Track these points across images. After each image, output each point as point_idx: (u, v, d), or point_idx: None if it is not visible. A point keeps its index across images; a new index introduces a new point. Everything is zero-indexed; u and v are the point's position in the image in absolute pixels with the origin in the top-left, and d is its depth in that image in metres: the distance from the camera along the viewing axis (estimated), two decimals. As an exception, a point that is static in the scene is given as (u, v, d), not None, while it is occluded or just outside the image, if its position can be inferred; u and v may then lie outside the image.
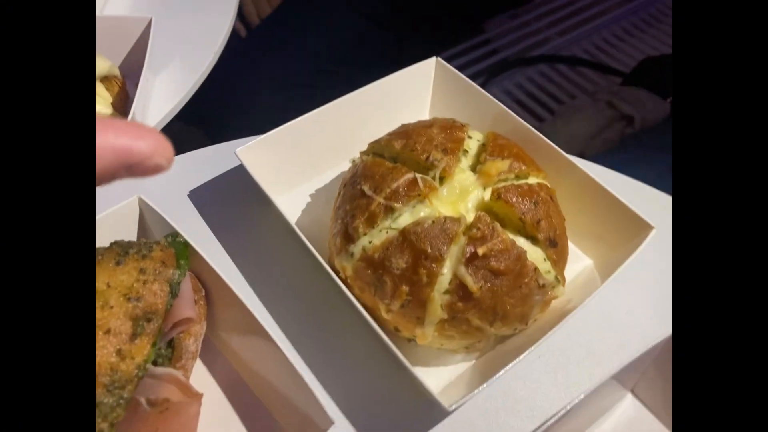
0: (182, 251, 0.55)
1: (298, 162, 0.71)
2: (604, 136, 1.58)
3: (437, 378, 0.60)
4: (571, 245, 0.71)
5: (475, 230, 0.54)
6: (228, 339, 0.58)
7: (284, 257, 0.67)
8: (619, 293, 0.68)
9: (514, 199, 0.57)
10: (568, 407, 0.49)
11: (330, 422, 0.47)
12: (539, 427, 0.48)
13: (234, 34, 0.95)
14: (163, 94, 0.84)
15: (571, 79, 1.95)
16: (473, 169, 0.61)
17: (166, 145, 0.26)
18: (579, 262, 0.70)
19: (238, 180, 0.72)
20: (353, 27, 1.36)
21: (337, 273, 0.59)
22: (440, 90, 0.80)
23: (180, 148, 0.74)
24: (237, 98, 1.24)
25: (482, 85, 1.79)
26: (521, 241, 0.57)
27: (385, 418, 0.58)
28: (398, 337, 0.59)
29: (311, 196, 0.73)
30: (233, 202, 0.71)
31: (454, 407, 0.50)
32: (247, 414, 0.56)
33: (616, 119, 1.58)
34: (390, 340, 0.54)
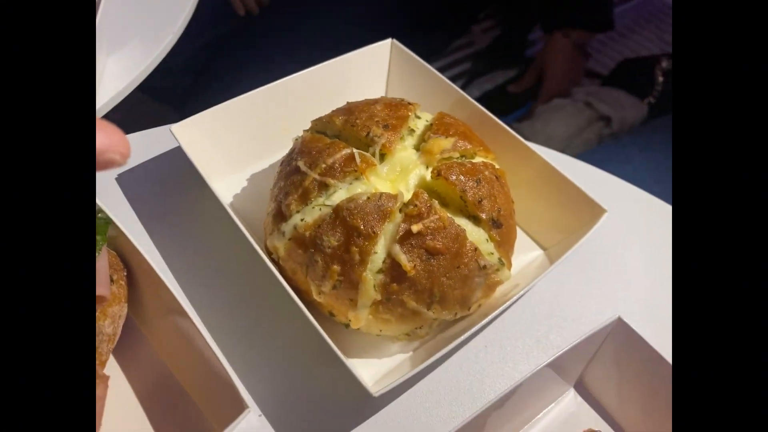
0: (101, 227, 0.52)
1: (243, 143, 0.68)
2: (583, 136, 1.56)
3: (376, 367, 0.57)
4: (525, 235, 0.68)
5: (411, 207, 0.51)
6: (152, 323, 0.55)
7: (220, 241, 0.64)
8: (571, 283, 0.66)
9: (454, 177, 0.54)
10: (501, 395, 0.46)
11: (244, 406, 0.44)
12: (472, 415, 0.45)
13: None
14: (115, 73, 0.81)
15: (552, 81, 1.94)
16: (418, 148, 0.59)
17: (121, 141, 0.26)
18: (532, 251, 0.67)
19: (178, 163, 0.69)
20: (342, 30, 1.34)
21: (270, 255, 0.56)
22: (397, 73, 0.77)
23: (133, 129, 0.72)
24: (214, 85, 1.21)
25: (464, 86, 1.78)
26: (462, 221, 0.54)
27: (316, 407, 0.54)
28: (334, 322, 0.56)
29: (256, 179, 0.70)
30: (171, 185, 0.68)
31: (380, 392, 0.47)
32: (167, 399, 0.52)
33: (594, 120, 1.57)
34: (325, 326, 0.51)
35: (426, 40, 1.52)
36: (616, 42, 2.13)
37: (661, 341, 0.51)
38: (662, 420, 0.53)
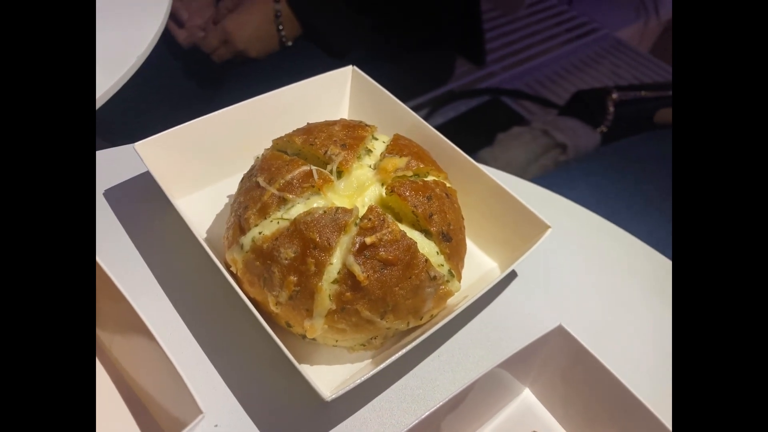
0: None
1: (205, 162, 0.70)
2: (540, 162, 1.64)
3: (333, 376, 0.59)
4: (477, 249, 0.72)
5: (366, 221, 0.54)
6: (109, 332, 0.55)
7: (180, 255, 0.65)
8: (521, 295, 0.69)
9: (407, 193, 0.58)
10: (453, 395, 0.49)
11: (199, 411, 0.45)
12: (424, 415, 0.47)
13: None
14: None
15: (513, 110, 2.03)
16: (374, 167, 0.62)
17: None
18: (484, 265, 0.70)
19: (141, 180, 0.71)
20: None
21: (229, 268, 0.58)
22: (357, 98, 0.81)
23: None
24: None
25: (426, 116, 1.84)
26: (415, 234, 0.57)
27: (272, 416, 0.55)
28: (291, 334, 0.58)
29: (218, 197, 0.71)
30: (134, 200, 0.69)
31: (332, 397, 0.49)
32: (122, 408, 0.52)
33: (551, 147, 1.65)
34: (282, 338, 0.52)
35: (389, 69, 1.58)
36: (572, 75, 2.26)
37: (597, 346, 0.54)
38: (602, 423, 0.56)
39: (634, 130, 1.59)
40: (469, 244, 0.70)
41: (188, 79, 1.30)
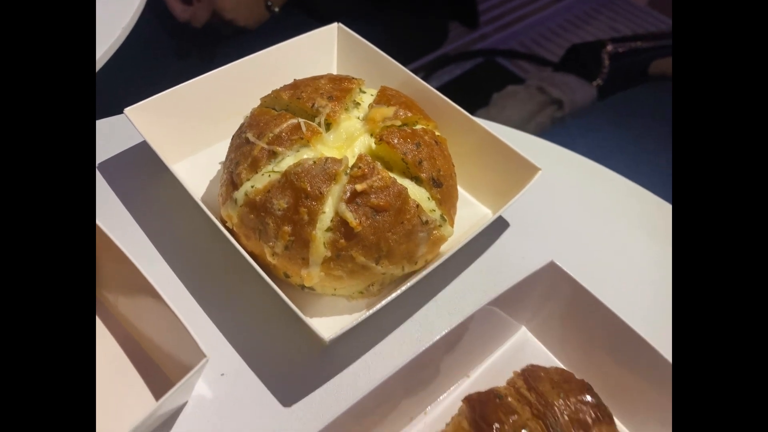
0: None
1: (197, 126, 0.71)
2: (536, 120, 1.63)
3: (333, 323, 0.60)
4: (470, 197, 0.72)
5: (356, 169, 0.55)
6: (112, 290, 0.57)
7: (177, 216, 0.66)
8: (516, 240, 0.70)
9: (396, 141, 0.58)
10: (445, 333, 0.50)
11: (202, 355, 0.46)
12: (421, 349, 0.49)
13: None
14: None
15: (508, 70, 2.01)
16: (363, 119, 0.62)
17: None
18: (479, 212, 0.71)
19: (133, 149, 0.71)
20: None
21: (225, 224, 0.59)
22: (345, 55, 0.81)
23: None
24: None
25: (424, 78, 1.83)
26: (405, 182, 0.58)
27: (278, 364, 0.57)
28: (291, 285, 0.59)
29: (211, 160, 0.72)
30: (127, 169, 0.70)
31: (331, 338, 0.50)
32: (126, 361, 0.54)
33: (547, 103, 1.64)
34: (281, 290, 0.54)
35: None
36: (567, 32, 2.22)
37: (592, 284, 0.55)
38: (599, 356, 0.57)
39: (630, 83, 1.58)
40: (463, 192, 0.71)
41: (177, 52, 1.29)
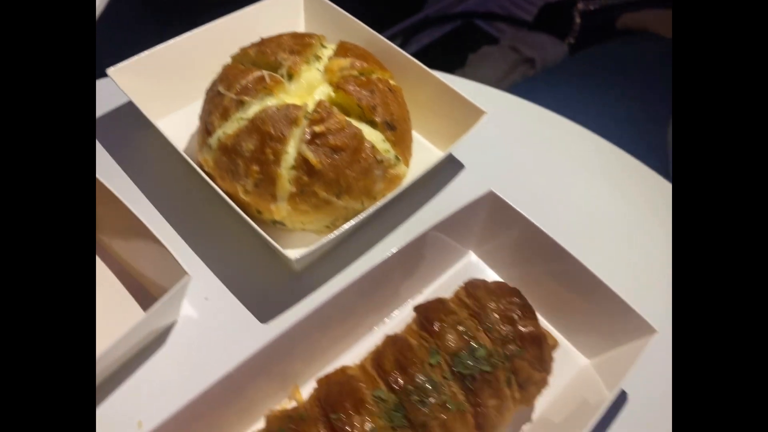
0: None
1: (177, 85, 0.77)
2: (509, 78, 1.68)
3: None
4: (426, 141, 0.79)
5: (315, 113, 0.62)
6: (109, 237, 0.64)
7: (163, 167, 0.73)
8: (468, 181, 0.78)
9: (351, 88, 0.65)
10: (389, 255, 0.58)
11: (184, 273, 0.54)
12: (370, 267, 0.57)
13: None
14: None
15: (486, 32, 2.05)
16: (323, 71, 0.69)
17: None
18: (435, 155, 0.78)
19: (118, 109, 0.78)
20: None
21: (203, 168, 0.66)
22: (312, 17, 0.87)
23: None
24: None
25: (402, 44, 1.87)
26: (362, 125, 0.65)
27: (255, 290, 0.65)
28: (263, 221, 0.67)
29: (190, 114, 0.78)
30: (113, 128, 0.77)
31: (298, 259, 0.58)
32: (126, 293, 0.62)
33: (519, 62, 1.69)
34: (255, 224, 0.61)
35: None
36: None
37: (527, 209, 0.63)
38: (536, 274, 0.65)
39: (600, 39, 1.63)
40: (419, 137, 0.78)
41: (155, 19, 1.34)
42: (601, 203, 0.78)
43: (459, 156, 0.80)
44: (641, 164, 0.83)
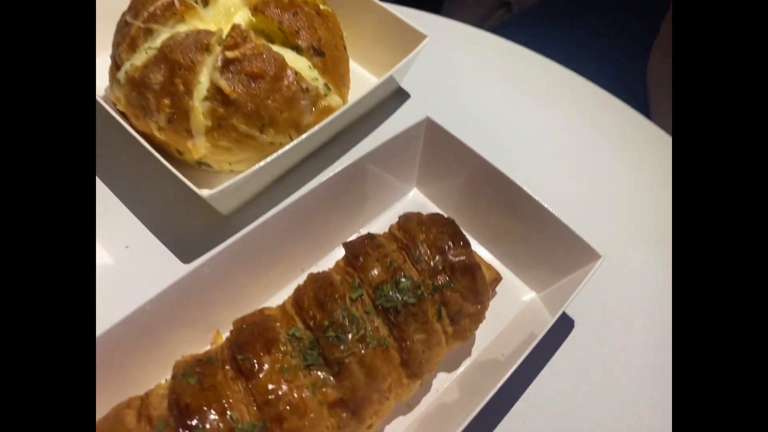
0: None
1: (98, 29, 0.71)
2: (487, 24, 1.60)
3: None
4: (367, 73, 0.74)
5: (228, 38, 0.56)
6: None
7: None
8: (399, 105, 0.72)
9: (271, 11, 0.59)
10: (317, 184, 0.54)
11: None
12: (297, 196, 0.53)
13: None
14: None
15: (464, -20, 1.96)
16: (245, -2, 0.63)
17: None
18: (371, 83, 0.73)
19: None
20: None
21: (117, 108, 0.61)
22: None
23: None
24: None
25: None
26: (286, 51, 0.60)
27: (178, 235, 0.61)
28: (186, 162, 0.62)
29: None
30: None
31: (210, 194, 0.54)
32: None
33: (496, 7, 1.61)
34: (180, 170, 0.56)
35: None
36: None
37: (479, 143, 0.58)
38: (483, 208, 0.60)
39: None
40: (359, 69, 0.72)
41: None
42: (566, 136, 0.73)
43: (406, 88, 0.74)
44: (610, 96, 0.78)
